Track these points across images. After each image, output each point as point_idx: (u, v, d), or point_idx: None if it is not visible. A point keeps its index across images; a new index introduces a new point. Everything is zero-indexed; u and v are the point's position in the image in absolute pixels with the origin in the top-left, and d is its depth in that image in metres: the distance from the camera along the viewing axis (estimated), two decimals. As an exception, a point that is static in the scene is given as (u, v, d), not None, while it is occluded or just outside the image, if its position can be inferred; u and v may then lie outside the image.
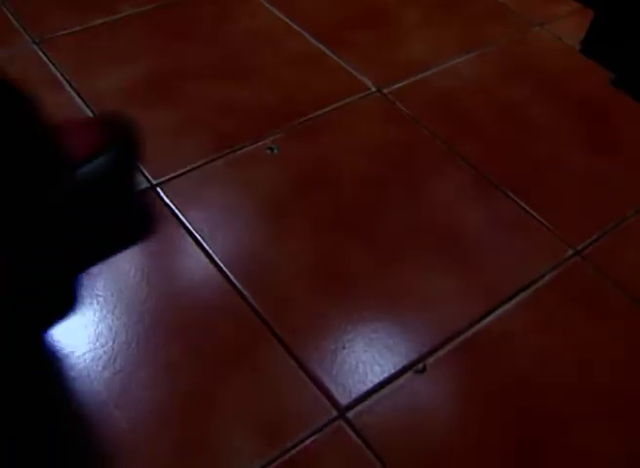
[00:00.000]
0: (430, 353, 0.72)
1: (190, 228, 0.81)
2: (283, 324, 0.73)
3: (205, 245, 0.79)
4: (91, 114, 0.94)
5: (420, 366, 0.70)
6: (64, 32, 1.08)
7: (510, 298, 0.78)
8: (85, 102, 0.96)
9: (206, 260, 0.78)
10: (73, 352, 0.69)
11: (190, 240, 0.80)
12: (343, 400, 0.67)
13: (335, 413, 0.66)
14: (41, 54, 1.03)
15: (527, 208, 0.88)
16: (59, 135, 0.75)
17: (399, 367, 0.70)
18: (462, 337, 0.73)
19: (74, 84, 0.99)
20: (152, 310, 0.73)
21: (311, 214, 0.84)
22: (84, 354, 0.69)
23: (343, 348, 0.71)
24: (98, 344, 0.70)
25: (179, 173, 0.88)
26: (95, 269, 0.76)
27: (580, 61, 1.14)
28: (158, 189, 0.86)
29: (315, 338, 0.72)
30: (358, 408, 0.67)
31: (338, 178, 0.89)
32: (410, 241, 0.82)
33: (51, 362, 0.68)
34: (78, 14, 1.11)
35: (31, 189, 0.72)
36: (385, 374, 0.70)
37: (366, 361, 0.71)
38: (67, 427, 0.63)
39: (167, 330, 0.71)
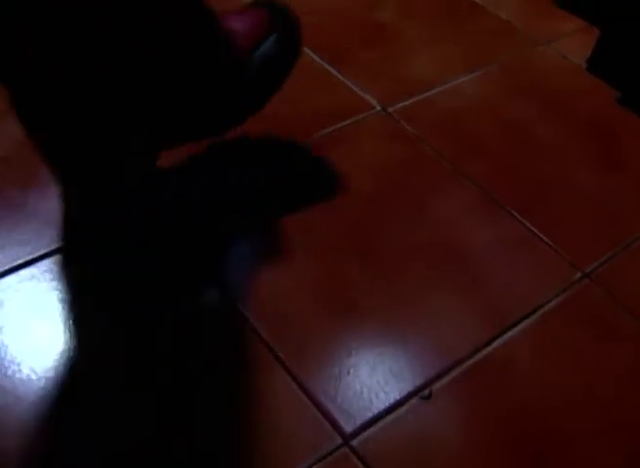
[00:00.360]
0: (436, 378, 0.71)
1: (193, 249, 0.80)
2: (285, 347, 0.71)
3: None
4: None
5: (426, 392, 0.69)
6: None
7: (517, 322, 0.76)
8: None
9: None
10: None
11: (193, 261, 0.79)
12: (348, 427, 0.66)
13: (339, 441, 0.65)
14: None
15: (533, 228, 0.87)
16: (227, 25, 0.76)
17: (404, 393, 0.69)
18: (469, 362, 0.72)
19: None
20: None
21: (314, 234, 0.83)
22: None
23: (348, 373, 0.70)
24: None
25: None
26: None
27: (586, 80, 1.13)
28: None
29: (318, 362, 0.71)
30: (363, 435, 0.66)
31: (342, 197, 0.88)
32: (414, 261, 0.81)
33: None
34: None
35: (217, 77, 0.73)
36: (391, 401, 0.68)
37: (371, 386, 0.69)
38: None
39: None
